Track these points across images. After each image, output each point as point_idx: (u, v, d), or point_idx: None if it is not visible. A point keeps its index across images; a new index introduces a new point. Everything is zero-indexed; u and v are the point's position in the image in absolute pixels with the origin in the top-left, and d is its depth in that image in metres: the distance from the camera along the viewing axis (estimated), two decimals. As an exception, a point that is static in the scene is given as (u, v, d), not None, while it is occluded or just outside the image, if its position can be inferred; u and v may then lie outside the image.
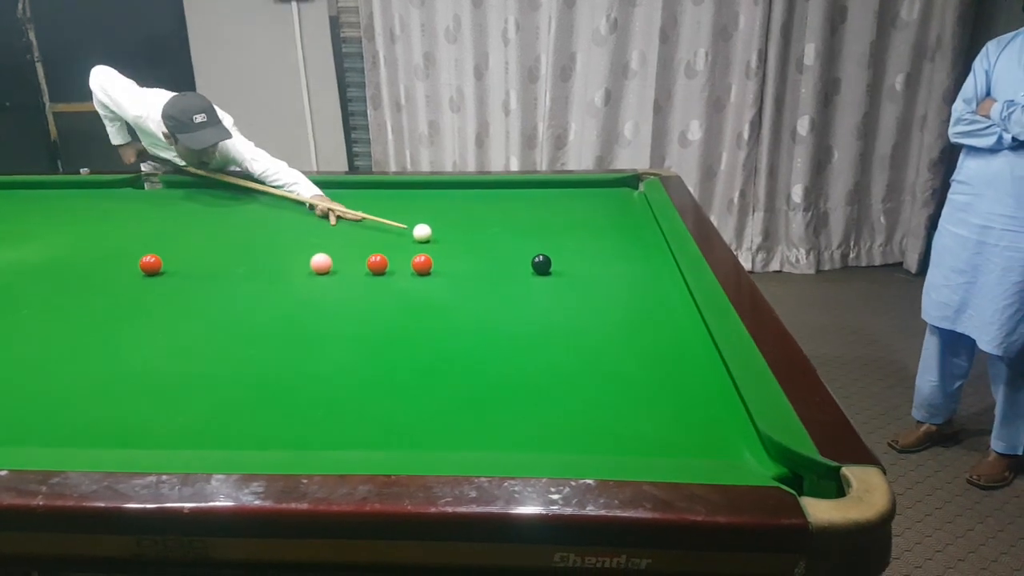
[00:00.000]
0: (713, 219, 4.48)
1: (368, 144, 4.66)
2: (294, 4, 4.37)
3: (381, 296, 1.77)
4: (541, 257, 1.88)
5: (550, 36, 4.20)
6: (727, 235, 4.48)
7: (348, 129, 4.66)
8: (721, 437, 1.16)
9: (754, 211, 4.47)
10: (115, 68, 2.80)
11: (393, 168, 4.60)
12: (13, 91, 4.72)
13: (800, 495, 0.95)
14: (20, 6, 4.54)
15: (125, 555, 0.97)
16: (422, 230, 2.15)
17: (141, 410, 1.25)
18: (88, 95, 2.80)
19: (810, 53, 4.09)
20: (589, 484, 0.97)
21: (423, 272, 1.85)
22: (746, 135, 4.26)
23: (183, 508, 0.93)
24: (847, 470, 0.97)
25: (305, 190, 2.53)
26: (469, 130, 4.47)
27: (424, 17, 4.30)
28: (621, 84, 4.31)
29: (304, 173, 2.61)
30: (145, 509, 0.93)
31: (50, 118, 4.79)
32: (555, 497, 0.94)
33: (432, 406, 1.26)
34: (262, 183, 2.60)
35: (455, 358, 1.44)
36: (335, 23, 4.44)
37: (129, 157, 2.96)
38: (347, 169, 4.64)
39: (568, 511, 0.93)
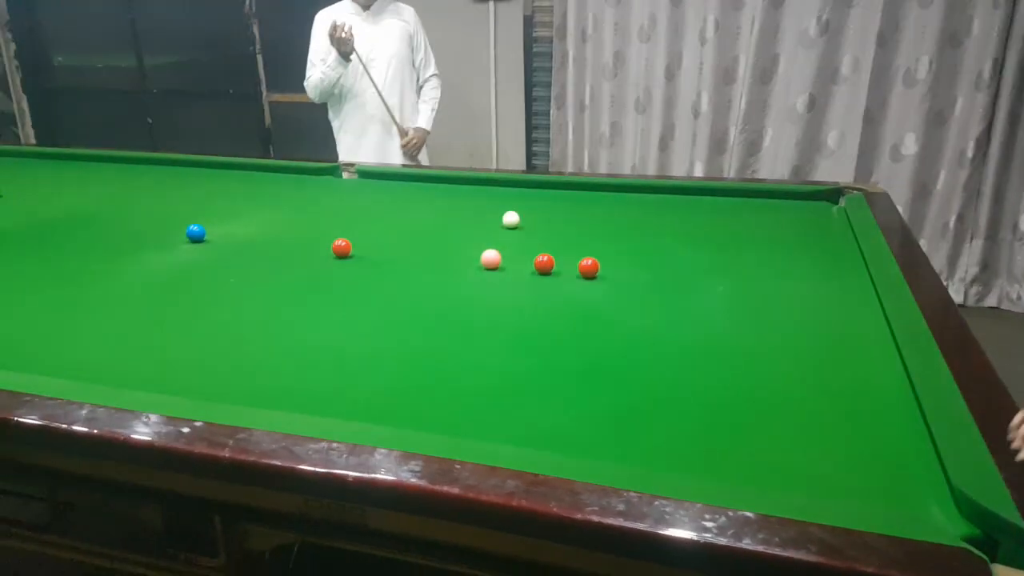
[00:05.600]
0: (923, 243, 4.07)
1: (547, 144, 4.71)
2: (491, 3, 4.48)
3: (545, 296, 1.78)
4: None
5: (752, 37, 4.01)
6: (938, 263, 4.05)
7: (530, 128, 4.72)
8: (906, 486, 1.05)
9: (972, 238, 4.01)
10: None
11: (570, 169, 4.61)
12: (236, 80, 5.22)
13: (993, 561, 0.84)
14: (247, 2, 5.00)
15: (293, 512, 1.05)
16: (511, 217, 2.26)
17: (319, 380, 1.35)
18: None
19: (1058, 65, 3.59)
20: (748, 516, 0.91)
21: (589, 276, 1.83)
22: (970, 153, 3.82)
23: (348, 476, 0.99)
24: (1053, 541, 0.84)
25: (423, 114, 3.44)
26: (653, 132, 4.38)
27: (619, 15, 4.26)
28: (828, 90, 4.03)
29: (482, 170, 2.79)
30: (315, 472, 1.00)
31: (265, 107, 5.24)
32: (709, 524, 0.90)
33: (585, 412, 1.24)
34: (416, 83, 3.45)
35: (613, 366, 1.41)
36: (528, 22, 4.51)
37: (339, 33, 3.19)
38: (524, 168, 4.70)
39: (722, 541, 0.88)
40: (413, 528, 1.03)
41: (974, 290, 4.03)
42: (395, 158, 3.44)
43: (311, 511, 1.06)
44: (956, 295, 4.03)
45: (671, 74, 4.27)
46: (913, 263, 1.82)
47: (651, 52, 4.26)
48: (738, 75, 4.15)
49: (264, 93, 5.19)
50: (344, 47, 3.18)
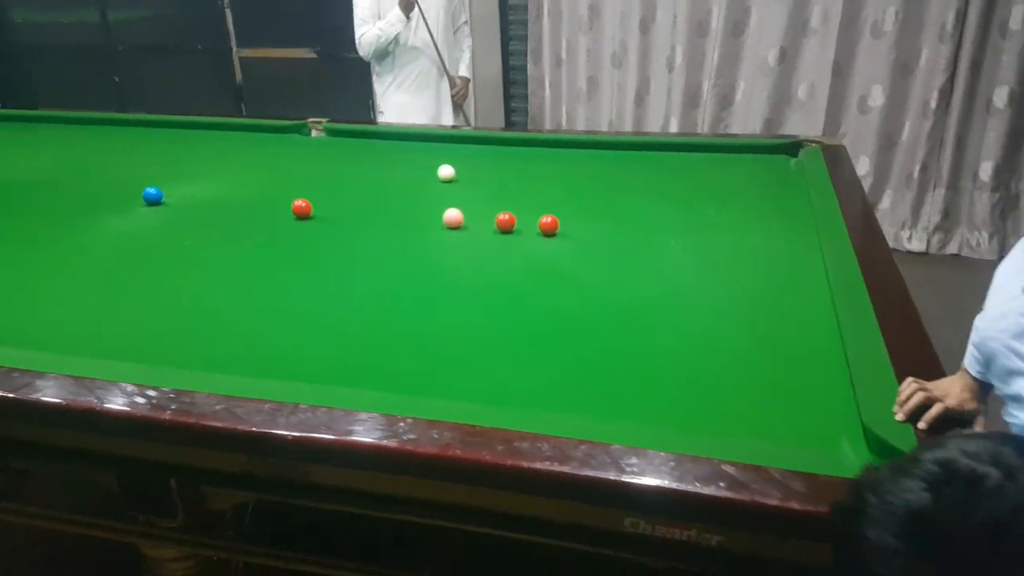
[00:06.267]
0: (889, 193, 4.13)
1: (525, 100, 4.68)
2: (466, -48, 4.41)
3: (505, 254, 1.82)
4: None
5: (725, -13, 3.99)
6: (903, 211, 4.11)
7: (507, 84, 4.68)
8: (823, 425, 1.12)
9: (935, 187, 4.06)
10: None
11: (548, 125, 4.60)
12: (205, 36, 5.10)
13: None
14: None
15: (242, 472, 1.10)
16: (446, 170, 2.32)
17: (271, 341, 1.39)
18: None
19: (1017, 16, 3.58)
20: (665, 456, 0.97)
21: (549, 233, 1.87)
22: (934, 104, 3.85)
23: (288, 435, 1.03)
24: (948, 474, 0.91)
25: (464, 63, 3.50)
26: (629, 87, 4.37)
27: (594, -34, 4.22)
28: (798, 42, 4.03)
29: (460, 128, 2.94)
30: (254, 432, 1.04)
31: (236, 63, 5.12)
32: (628, 464, 0.96)
33: (534, 366, 1.30)
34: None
35: (564, 322, 1.47)
36: (505, -28, 4.44)
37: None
38: (503, 125, 4.68)
39: (639, 480, 0.94)
40: (358, 483, 1.08)
41: (936, 238, 4.10)
42: (447, 114, 3.50)
43: (256, 470, 1.10)
44: (919, 243, 4.09)
45: (645, 27, 4.25)
46: (858, 216, 1.88)
47: (625, 4, 4.22)
48: (711, 28, 4.14)
49: (234, 49, 5.09)
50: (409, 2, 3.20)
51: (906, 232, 4.15)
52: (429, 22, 3.31)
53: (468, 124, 3.54)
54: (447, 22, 3.44)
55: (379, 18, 3.29)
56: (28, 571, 1.93)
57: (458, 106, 3.53)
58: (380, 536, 1.25)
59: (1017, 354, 0.92)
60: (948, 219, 4.08)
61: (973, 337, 1.04)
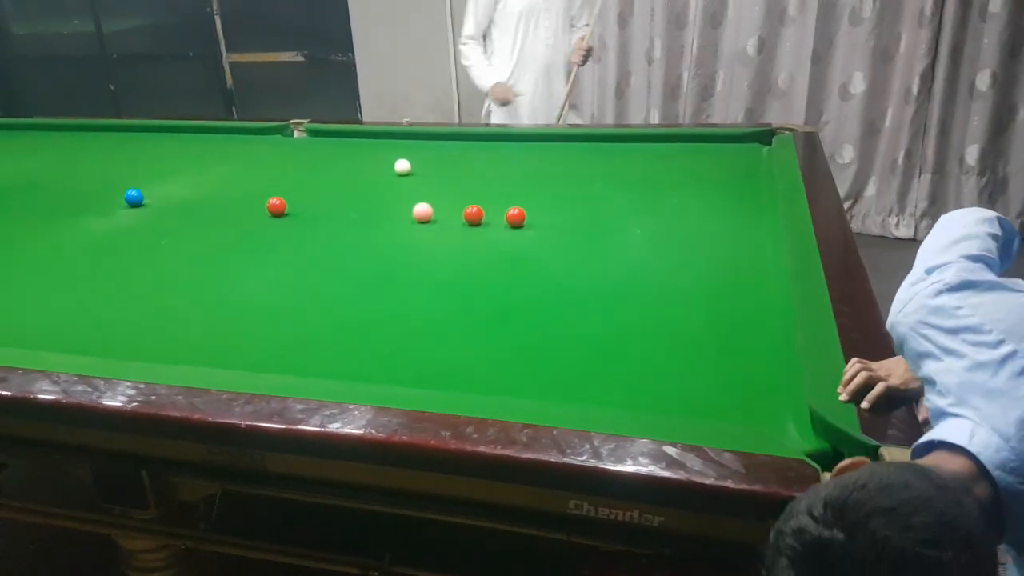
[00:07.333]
0: (874, 180, 4.13)
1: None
2: (447, -45, 4.43)
3: (470, 245, 1.84)
4: None
5: (701, -21, 4.01)
6: (889, 198, 4.11)
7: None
8: (769, 406, 1.13)
9: (921, 173, 4.06)
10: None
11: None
12: (196, 42, 5.18)
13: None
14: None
15: (198, 460, 1.12)
16: (402, 164, 2.38)
17: (237, 335, 1.42)
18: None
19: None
20: (607, 437, 0.99)
21: (516, 224, 1.89)
22: (916, 89, 3.86)
23: (240, 424, 1.05)
24: (886, 450, 0.93)
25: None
26: (609, 80, 4.39)
27: (570, -37, 4.23)
28: (777, 31, 4.04)
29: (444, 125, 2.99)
30: (209, 422, 1.07)
31: (226, 68, 5.20)
32: (571, 446, 0.97)
33: (486, 352, 1.33)
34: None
35: (519, 309, 1.49)
36: (484, -27, 4.46)
37: (506, 94, 3.19)
38: (486, 122, 4.70)
39: (581, 461, 0.96)
40: (310, 470, 1.10)
41: (924, 224, 4.10)
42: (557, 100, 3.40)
43: (215, 459, 1.12)
44: (907, 230, 4.10)
45: (623, 21, 4.27)
46: (823, 200, 1.89)
47: (603, -1, 4.25)
48: (689, 20, 4.15)
49: (224, 54, 5.15)
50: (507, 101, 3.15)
51: (893, 219, 4.16)
52: (545, 31, 3.20)
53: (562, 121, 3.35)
54: (565, 24, 3.29)
55: (489, 32, 3.20)
56: (11, 564, 1.96)
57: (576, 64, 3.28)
58: (340, 523, 1.27)
59: (924, 336, 0.90)
60: (935, 205, 4.08)
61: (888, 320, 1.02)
